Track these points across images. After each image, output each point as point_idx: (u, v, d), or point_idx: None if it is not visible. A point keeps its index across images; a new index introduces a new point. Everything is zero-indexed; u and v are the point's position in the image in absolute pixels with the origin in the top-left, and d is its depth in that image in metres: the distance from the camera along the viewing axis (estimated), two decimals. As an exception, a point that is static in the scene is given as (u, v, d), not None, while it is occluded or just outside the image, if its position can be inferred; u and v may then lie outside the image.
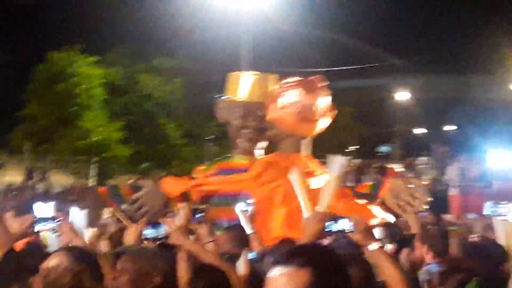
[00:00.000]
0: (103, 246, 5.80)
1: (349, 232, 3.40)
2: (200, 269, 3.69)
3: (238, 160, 8.33)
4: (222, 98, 8.61)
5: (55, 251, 3.51)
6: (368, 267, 3.60)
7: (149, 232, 3.93)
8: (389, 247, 5.06)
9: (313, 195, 5.16)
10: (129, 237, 4.07)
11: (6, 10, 35.05)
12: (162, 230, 3.88)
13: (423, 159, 27.78)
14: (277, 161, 7.78)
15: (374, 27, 40.05)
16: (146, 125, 33.92)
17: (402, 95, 39.95)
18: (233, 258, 5.30)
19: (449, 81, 38.91)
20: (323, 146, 14.99)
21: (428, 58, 39.77)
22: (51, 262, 3.03)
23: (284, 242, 4.47)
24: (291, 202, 7.03)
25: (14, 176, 24.72)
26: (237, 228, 5.20)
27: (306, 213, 4.76)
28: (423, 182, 12.31)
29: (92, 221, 7.17)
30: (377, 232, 4.76)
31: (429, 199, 7.59)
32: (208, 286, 3.54)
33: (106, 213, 8.26)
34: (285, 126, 7.86)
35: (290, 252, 2.26)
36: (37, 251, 4.16)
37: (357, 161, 31.20)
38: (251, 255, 5.02)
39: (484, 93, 34.72)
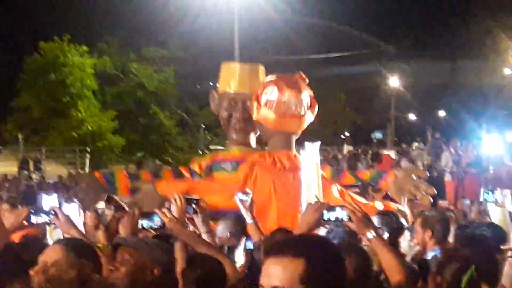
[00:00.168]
0: (101, 236, 5.81)
1: (346, 221, 3.41)
2: (194, 259, 3.69)
3: (233, 151, 8.32)
4: (213, 89, 8.62)
5: (52, 244, 3.50)
6: (365, 256, 3.60)
7: (144, 222, 3.92)
8: (386, 235, 5.07)
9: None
10: (125, 227, 4.05)
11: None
12: (156, 220, 3.87)
13: (417, 145, 27.84)
14: (260, 162, 7.71)
15: (365, 14, 40.03)
16: (139, 114, 33.86)
17: (395, 81, 39.96)
18: (231, 248, 5.32)
19: (441, 66, 38.94)
20: (317, 134, 15.00)
21: (420, 43, 39.76)
22: (50, 255, 3.02)
23: (280, 232, 4.47)
24: (281, 199, 7.07)
25: (7, 167, 24.66)
26: (236, 218, 5.20)
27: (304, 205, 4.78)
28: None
29: (88, 206, 7.16)
30: (374, 221, 4.77)
31: (434, 191, 7.60)
32: (202, 276, 3.54)
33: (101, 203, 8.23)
34: (269, 124, 7.82)
35: (285, 242, 2.25)
36: (35, 243, 4.17)
37: (351, 147, 31.27)
38: (249, 245, 5.03)
39: (477, 78, 34.77)
